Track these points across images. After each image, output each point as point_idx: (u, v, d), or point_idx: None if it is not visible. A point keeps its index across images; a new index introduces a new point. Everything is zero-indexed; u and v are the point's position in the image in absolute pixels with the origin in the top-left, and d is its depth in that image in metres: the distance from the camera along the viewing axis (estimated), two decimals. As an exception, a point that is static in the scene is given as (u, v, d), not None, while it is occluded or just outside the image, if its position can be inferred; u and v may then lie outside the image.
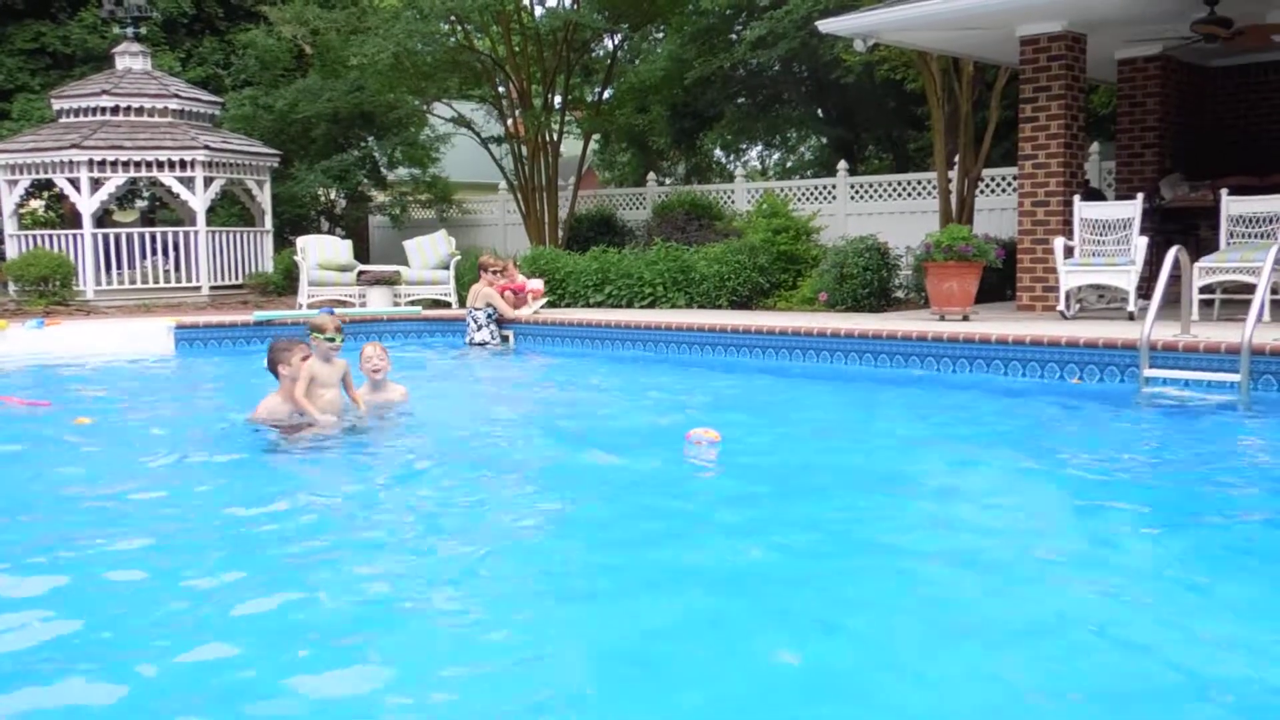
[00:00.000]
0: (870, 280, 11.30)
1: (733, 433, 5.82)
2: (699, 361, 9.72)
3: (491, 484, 5.11)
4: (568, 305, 13.17)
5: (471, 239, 19.07)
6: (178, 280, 15.30)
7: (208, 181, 15.22)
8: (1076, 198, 10.02)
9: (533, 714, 2.66)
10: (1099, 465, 5.31)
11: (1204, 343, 7.08)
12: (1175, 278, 7.72)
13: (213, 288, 15.38)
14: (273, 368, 6.07)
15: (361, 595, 3.46)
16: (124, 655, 3.00)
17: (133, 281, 14.99)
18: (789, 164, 27.78)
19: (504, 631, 3.18)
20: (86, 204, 14.65)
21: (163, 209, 19.56)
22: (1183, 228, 10.93)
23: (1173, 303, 7.88)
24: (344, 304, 13.33)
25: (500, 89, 17.93)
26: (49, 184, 15.81)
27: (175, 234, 15.56)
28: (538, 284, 12.11)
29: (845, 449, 5.96)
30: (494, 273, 11.60)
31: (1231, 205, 9.34)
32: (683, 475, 5.37)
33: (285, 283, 15.35)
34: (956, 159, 12.85)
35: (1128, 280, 9.34)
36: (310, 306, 13.11)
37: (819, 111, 22.18)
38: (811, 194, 15.91)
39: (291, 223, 18.95)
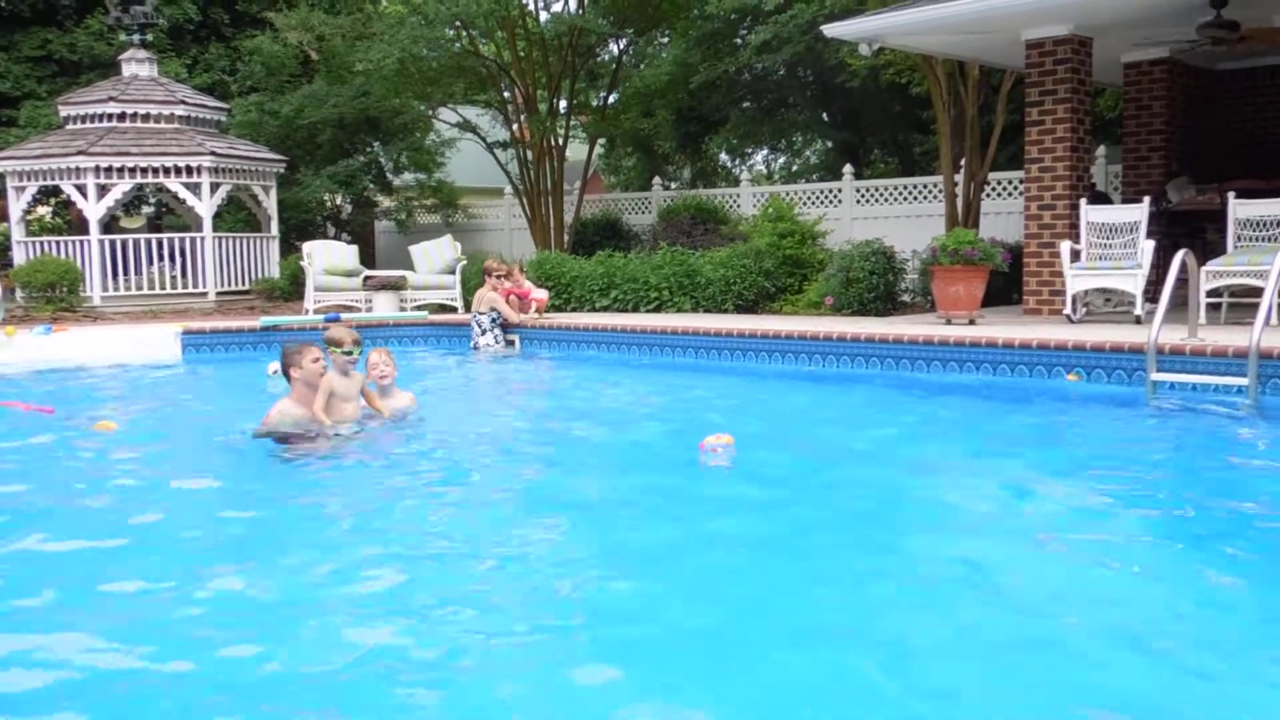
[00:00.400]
0: (876, 284, 11.29)
1: (739, 437, 5.81)
2: (704, 366, 9.70)
3: (501, 490, 5.11)
4: (573, 309, 13.17)
5: (477, 244, 19.08)
6: (184, 286, 15.34)
7: (214, 187, 15.25)
8: (1083, 201, 10.00)
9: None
10: (1106, 470, 5.30)
11: (1211, 346, 7.06)
12: (1182, 281, 7.71)
13: (219, 293, 15.40)
14: (285, 372, 6.09)
15: (373, 605, 3.46)
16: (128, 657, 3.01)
17: (139, 288, 15.03)
18: (794, 168, 27.78)
19: (515, 639, 3.18)
20: (93, 210, 14.69)
21: (169, 215, 19.60)
22: (1190, 231, 10.91)
23: (1180, 306, 7.86)
24: (350, 309, 13.34)
25: (505, 94, 17.95)
26: (56, 190, 15.86)
27: (182, 240, 15.60)
28: (542, 294, 12.11)
29: (852, 454, 5.94)
30: (498, 277, 11.60)
31: (1239, 209, 9.32)
32: (695, 480, 5.36)
33: (291, 288, 15.38)
34: (962, 162, 12.83)
35: (1134, 284, 9.32)
36: (316, 312, 13.13)
37: (824, 115, 22.18)
38: (817, 198, 15.91)
39: (298, 228, 18.98)
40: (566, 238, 17.37)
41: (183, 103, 15.80)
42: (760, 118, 22.11)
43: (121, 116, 15.30)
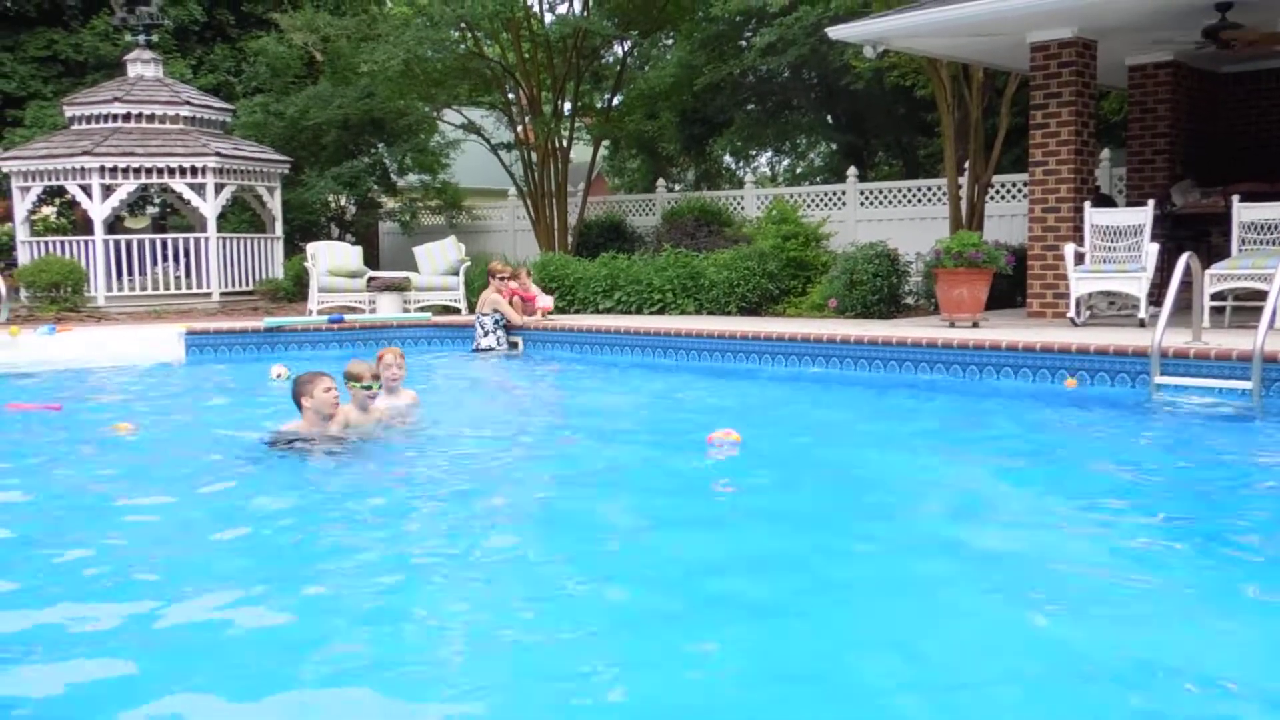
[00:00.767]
0: (880, 286, 11.28)
1: (743, 438, 5.81)
2: (708, 368, 9.70)
3: (500, 491, 5.10)
4: (577, 311, 13.17)
5: (481, 245, 19.10)
6: (188, 286, 15.35)
7: (218, 188, 15.27)
8: (1087, 204, 9.99)
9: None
10: (1110, 473, 5.29)
11: (1216, 350, 7.05)
12: (1186, 284, 7.70)
13: (223, 294, 15.42)
14: (296, 400, 6.00)
15: (381, 605, 3.45)
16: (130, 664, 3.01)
17: (144, 288, 15.04)
18: (799, 170, 27.78)
19: (521, 636, 3.18)
20: (98, 210, 14.71)
21: (174, 215, 19.63)
22: (1194, 234, 10.89)
23: (1184, 309, 7.84)
24: (354, 310, 13.35)
25: (510, 95, 17.96)
26: (61, 191, 15.88)
27: (186, 240, 15.62)
28: (547, 301, 12.12)
29: (856, 456, 5.94)
30: (501, 279, 11.60)
31: (1243, 212, 9.30)
32: (698, 478, 5.36)
33: (295, 289, 15.40)
34: (966, 165, 12.82)
35: (1139, 287, 9.31)
36: (320, 312, 13.14)
37: (829, 118, 22.18)
38: (821, 200, 15.91)
39: (302, 229, 19.00)
40: (570, 239, 17.38)
41: (188, 103, 15.82)
42: (765, 120, 22.10)
43: (127, 117, 15.32)
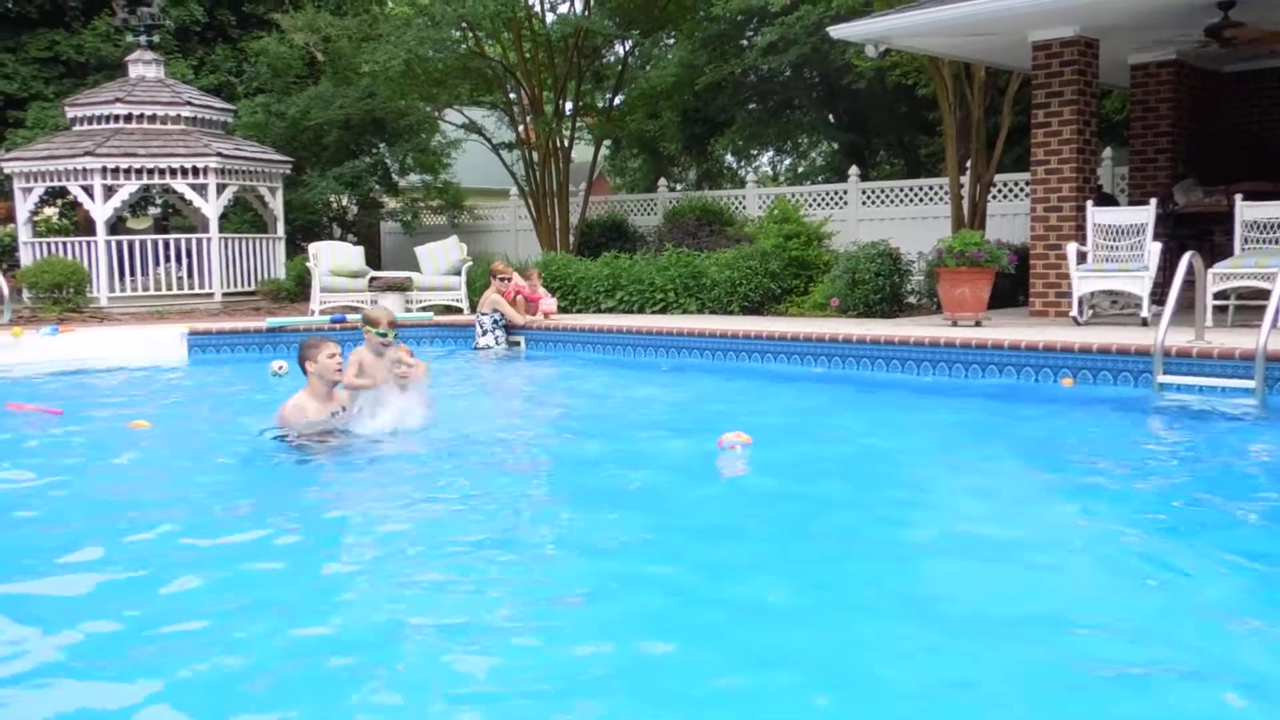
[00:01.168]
0: (882, 286, 11.28)
1: (753, 439, 5.80)
2: (710, 367, 9.70)
3: (501, 494, 5.09)
4: (578, 310, 13.17)
5: (483, 245, 19.10)
6: (190, 287, 15.36)
7: (220, 188, 15.27)
8: (1089, 203, 9.98)
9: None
10: (1113, 473, 5.29)
11: (1218, 349, 7.04)
12: (1189, 283, 7.69)
13: (225, 294, 15.43)
14: (302, 365, 6.09)
15: (384, 609, 3.44)
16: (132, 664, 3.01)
17: (146, 288, 15.05)
18: (800, 169, 27.79)
19: (526, 640, 3.19)
20: (100, 211, 14.72)
21: (175, 216, 19.64)
22: (1197, 233, 10.89)
23: (1187, 308, 7.84)
24: (356, 310, 13.34)
25: (511, 95, 17.97)
26: (63, 191, 15.88)
27: (188, 241, 15.62)
28: (551, 304, 12.12)
29: (858, 454, 5.94)
30: (503, 279, 11.61)
31: (1246, 211, 9.29)
32: (701, 480, 5.36)
33: (297, 289, 15.40)
34: (968, 164, 12.81)
35: (1141, 286, 9.30)
36: (322, 313, 13.15)
37: (830, 117, 22.17)
38: (823, 199, 15.91)
39: (304, 229, 19.01)
40: (572, 239, 17.38)
41: (189, 104, 15.83)
42: (766, 119, 22.10)
43: (128, 118, 15.33)
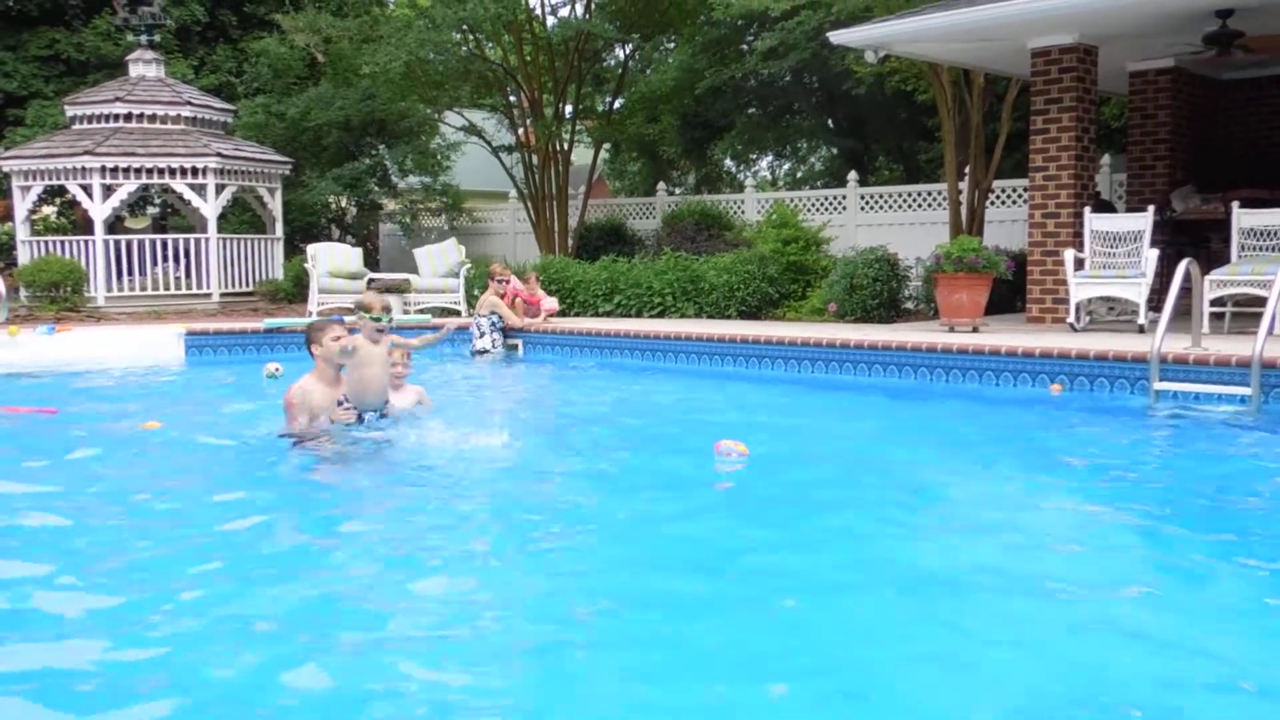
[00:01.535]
0: (880, 291, 11.29)
1: (748, 443, 5.80)
2: (708, 372, 9.71)
3: (507, 496, 5.10)
4: (576, 314, 13.18)
5: (481, 247, 19.11)
6: (188, 287, 15.35)
7: (219, 189, 15.27)
8: (1087, 210, 10.00)
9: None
10: (1109, 479, 5.29)
11: (1215, 356, 7.05)
12: (1186, 290, 7.70)
13: (223, 295, 15.42)
14: (309, 347, 6.11)
15: (381, 615, 3.44)
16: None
17: (144, 288, 15.04)
18: (799, 174, 27.80)
19: (521, 644, 3.19)
20: (98, 210, 14.71)
21: (174, 216, 19.63)
22: (1194, 240, 10.90)
23: (1183, 315, 7.85)
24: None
25: (511, 98, 17.98)
26: (61, 190, 15.87)
27: (186, 241, 15.62)
28: (552, 303, 12.13)
29: (856, 461, 5.94)
30: (501, 281, 11.61)
31: (1243, 218, 9.31)
32: (699, 485, 5.35)
33: (295, 290, 15.39)
34: (967, 170, 12.84)
35: (1138, 293, 9.32)
36: (320, 314, 13.14)
37: (829, 122, 22.19)
38: (822, 204, 15.92)
39: (302, 230, 19.01)
40: (571, 242, 17.39)
41: (189, 104, 15.83)
42: (765, 124, 22.12)
43: (128, 117, 15.33)
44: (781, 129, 22.68)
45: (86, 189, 14.71)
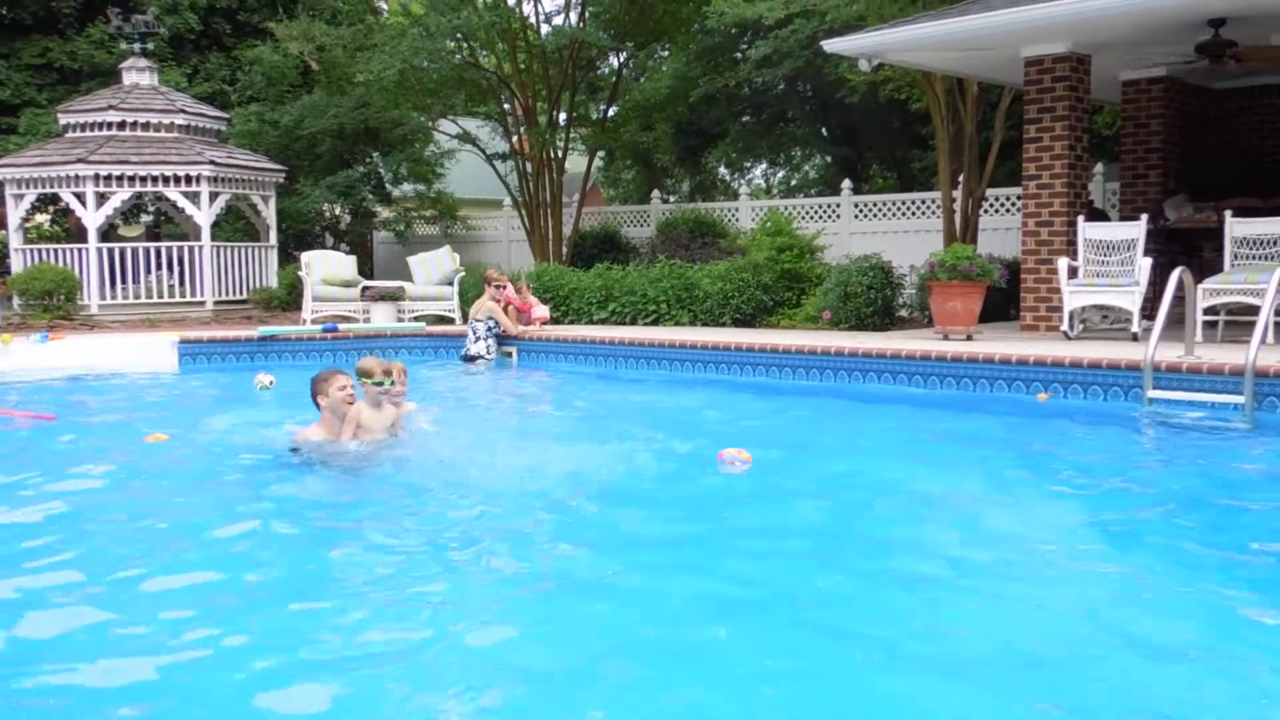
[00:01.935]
0: (874, 299, 11.30)
1: (749, 450, 5.79)
2: (702, 379, 9.70)
3: (509, 505, 5.08)
4: (571, 322, 13.17)
5: (476, 255, 19.10)
6: (182, 295, 15.33)
7: (213, 197, 15.26)
8: (1080, 218, 10.03)
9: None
10: (1102, 487, 5.30)
11: (1208, 364, 7.07)
12: (1179, 299, 7.72)
13: (217, 302, 15.40)
14: (314, 399, 6.03)
15: (382, 625, 3.44)
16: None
17: (137, 296, 15.02)
18: (793, 182, 27.83)
19: (521, 651, 3.18)
20: (92, 218, 14.69)
21: (168, 224, 19.61)
22: (1187, 249, 10.93)
23: (1176, 324, 7.87)
24: (348, 319, 13.34)
25: (505, 106, 17.99)
26: (55, 198, 15.87)
27: (180, 249, 15.60)
28: (544, 311, 12.11)
29: (850, 469, 5.94)
30: (498, 287, 11.59)
31: (1236, 227, 9.34)
32: (710, 495, 5.34)
33: (289, 298, 15.38)
34: (961, 179, 12.86)
35: (1131, 301, 9.34)
36: (314, 322, 13.13)
37: (823, 130, 22.24)
38: (816, 212, 15.94)
39: (296, 238, 19.00)
40: (565, 250, 17.39)
41: (183, 111, 15.82)
42: (760, 132, 22.16)
43: (121, 125, 15.32)
44: (775, 137, 22.72)
45: (80, 197, 14.69)
